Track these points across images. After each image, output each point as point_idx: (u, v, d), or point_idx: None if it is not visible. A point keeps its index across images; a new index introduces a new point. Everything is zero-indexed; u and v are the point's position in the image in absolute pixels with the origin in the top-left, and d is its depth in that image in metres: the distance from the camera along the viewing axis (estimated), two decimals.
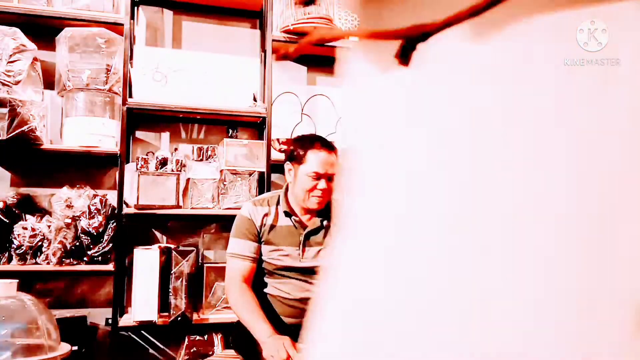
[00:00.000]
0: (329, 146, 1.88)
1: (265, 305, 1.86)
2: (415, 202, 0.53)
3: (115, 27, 2.53)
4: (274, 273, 1.91)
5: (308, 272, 1.90)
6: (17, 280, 1.96)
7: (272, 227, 1.90)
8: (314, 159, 1.84)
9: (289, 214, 1.91)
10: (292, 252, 1.90)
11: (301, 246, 1.90)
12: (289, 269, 1.90)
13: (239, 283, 1.84)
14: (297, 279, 1.90)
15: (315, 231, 1.93)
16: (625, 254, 0.47)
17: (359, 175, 0.60)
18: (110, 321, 2.45)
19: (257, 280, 1.94)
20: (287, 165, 1.93)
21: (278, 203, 1.94)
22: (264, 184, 2.63)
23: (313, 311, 0.61)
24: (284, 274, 1.91)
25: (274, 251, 1.89)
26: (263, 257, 1.91)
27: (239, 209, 2.54)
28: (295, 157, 1.89)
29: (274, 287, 1.92)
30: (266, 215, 1.91)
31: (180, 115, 2.73)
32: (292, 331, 1.86)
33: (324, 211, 1.93)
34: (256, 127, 2.89)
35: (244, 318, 1.78)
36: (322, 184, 1.84)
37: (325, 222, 1.94)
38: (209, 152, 2.66)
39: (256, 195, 2.65)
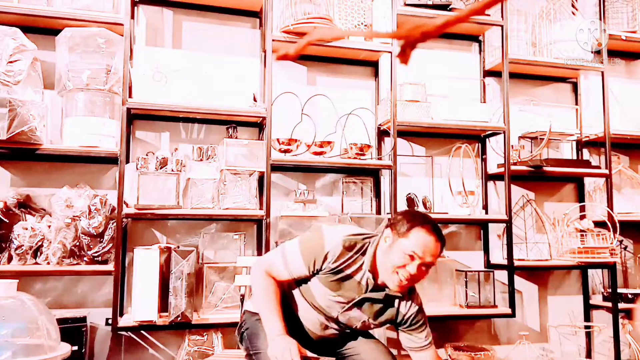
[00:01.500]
0: (438, 234, 1.71)
1: (287, 313, 1.80)
2: None
3: (115, 27, 2.53)
4: (310, 302, 1.82)
5: (337, 322, 1.82)
6: (17, 280, 1.97)
7: (347, 276, 1.75)
8: (417, 239, 1.68)
9: (369, 272, 1.76)
10: (340, 303, 1.78)
11: (351, 304, 1.78)
12: (325, 314, 1.81)
13: (267, 275, 1.78)
14: (324, 319, 1.82)
15: (376, 300, 1.79)
16: None
17: None
18: (110, 321, 2.45)
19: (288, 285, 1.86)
20: (387, 232, 1.74)
21: (364, 253, 1.76)
22: (264, 184, 2.63)
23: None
24: (317, 310, 1.81)
25: (324, 293, 1.77)
26: (309, 283, 1.80)
27: (239, 209, 2.58)
28: (398, 227, 1.71)
29: (304, 309, 1.83)
30: (346, 264, 1.74)
31: (180, 115, 2.73)
32: (313, 341, 1.86)
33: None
34: (256, 127, 2.90)
35: (261, 307, 1.74)
36: (413, 267, 1.68)
37: (393, 297, 1.81)
38: (209, 152, 2.66)
39: (256, 196, 2.65)
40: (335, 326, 1.84)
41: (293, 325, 1.81)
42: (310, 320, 1.84)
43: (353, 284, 1.76)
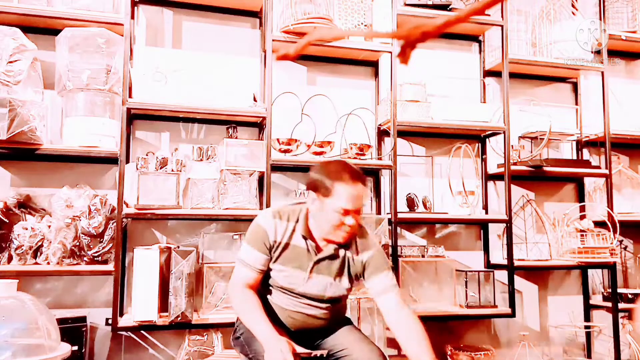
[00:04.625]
0: (358, 177, 1.72)
1: (268, 309, 1.84)
2: None
3: (115, 27, 2.53)
4: (279, 289, 1.86)
5: (311, 298, 1.85)
6: (17, 280, 1.97)
7: (286, 245, 1.80)
8: (343, 194, 1.68)
9: (306, 237, 1.80)
10: (299, 276, 1.81)
11: (308, 271, 1.81)
12: (293, 292, 1.84)
13: (242, 288, 1.81)
14: (299, 300, 1.85)
15: (328, 258, 1.83)
16: None
17: None
18: (110, 321, 2.45)
19: (263, 283, 1.90)
20: (312, 195, 1.75)
21: (297, 221, 1.81)
22: (264, 184, 2.63)
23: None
24: (287, 293, 1.86)
25: (280, 271, 1.82)
26: (271, 273, 1.84)
27: (239, 209, 2.58)
28: (320, 188, 1.71)
29: (278, 298, 1.87)
30: (283, 231, 1.80)
31: (180, 115, 2.73)
32: (294, 334, 1.86)
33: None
34: (256, 127, 2.90)
35: (245, 320, 1.77)
36: (350, 219, 1.71)
37: (341, 252, 1.84)
38: (209, 152, 2.66)
39: (256, 196, 2.65)
40: (309, 302, 1.84)
41: (278, 325, 1.83)
42: (287, 306, 1.85)
43: (301, 252, 1.80)
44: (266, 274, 1.86)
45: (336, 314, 1.94)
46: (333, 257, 1.83)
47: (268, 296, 1.89)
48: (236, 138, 2.71)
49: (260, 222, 1.82)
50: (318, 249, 1.82)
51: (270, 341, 1.64)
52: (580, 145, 3.49)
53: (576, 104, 3.53)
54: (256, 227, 1.82)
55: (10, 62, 2.35)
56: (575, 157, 3.49)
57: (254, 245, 1.80)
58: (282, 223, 1.80)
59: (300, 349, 1.68)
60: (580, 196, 3.50)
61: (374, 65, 3.15)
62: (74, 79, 2.47)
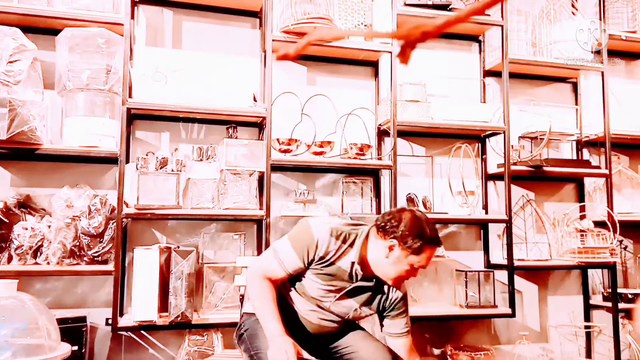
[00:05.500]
0: (439, 244, 1.79)
1: (284, 307, 1.83)
2: None
3: (115, 27, 2.53)
4: (304, 295, 1.86)
5: (335, 314, 1.86)
6: (17, 280, 1.97)
7: (331, 263, 1.78)
8: (426, 256, 1.75)
9: (357, 264, 1.79)
10: (330, 294, 1.82)
11: (342, 293, 1.82)
12: (319, 304, 1.84)
13: (262, 279, 1.79)
14: (322, 312, 1.86)
15: (365, 287, 1.84)
16: None
17: None
18: (110, 321, 2.45)
19: (283, 283, 1.89)
20: (392, 242, 1.73)
21: (352, 245, 1.79)
22: (264, 184, 2.63)
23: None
24: (312, 303, 1.85)
25: (314, 282, 1.81)
26: (302, 279, 1.83)
27: (239, 209, 2.58)
28: (408, 243, 1.72)
29: (299, 302, 1.87)
30: (335, 251, 1.77)
31: (180, 115, 2.73)
32: (310, 336, 1.87)
33: None
34: (256, 127, 2.90)
35: (257, 309, 1.76)
36: (416, 272, 1.78)
37: (379, 285, 1.86)
38: (209, 152, 2.66)
39: (256, 196, 2.65)
40: (329, 317, 1.86)
41: (291, 321, 1.83)
42: (306, 313, 1.86)
43: (343, 274, 1.80)
44: (294, 277, 1.84)
45: (349, 324, 1.96)
46: (371, 288, 1.84)
47: (290, 293, 1.88)
48: (236, 138, 2.71)
49: (315, 231, 1.77)
50: (362, 277, 1.81)
51: (277, 340, 1.63)
52: (580, 145, 3.49)
53: (576, 104, 3.53)
54: (308, 235, 1.76)
55: (10, 62, 2.35)
56: (575, 157, 3.49)
57: (296, 248, 1.77)
58: (337, 243, 1.77)
59: (306, 355, 1.68)
60: (580, 196, 3.50)
61: (374, 65, 3.15)
62: (74, 79, 2.47)
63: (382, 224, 1.76)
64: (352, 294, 1.83)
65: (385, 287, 1.88)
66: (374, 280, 1.83)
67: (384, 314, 1.91)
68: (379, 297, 1.88)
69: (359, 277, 1.80)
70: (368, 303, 1.86)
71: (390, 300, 1.89)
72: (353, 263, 1.78)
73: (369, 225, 1.84)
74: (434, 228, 1.79)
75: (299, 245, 1.76)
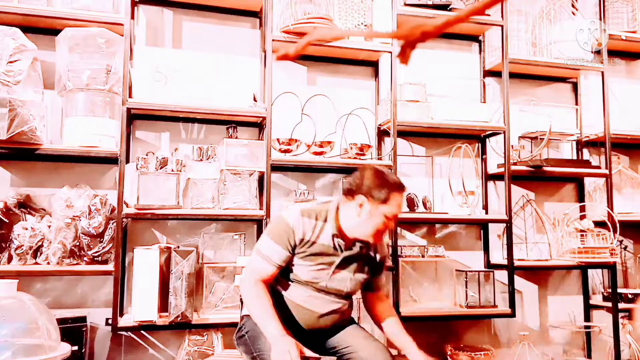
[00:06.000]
0: (404, 188, 1.89)
1: (281, 305, 1.86)
2: None
3: (115, 27, 2.53)
4: (300, 283, 1.89)
5: (330, 293, 1.90)
6: (17, 280, 1.97)
7: (313, 243, 1.86)
8: (396, 202, 1.84)
9: (336, 235, 1.87)
10: (323, 271, 1.87)
11: (333, 267, 1.88)
12: (316, 286, 1.88)
13: (255, 283, 1.82)
14: (321, 296, 1.89)
15: (353, 255, 1.91)
16: None
17: None
18: (110, 321, 2.45)
19: (278, 278, 1.93)
20: (360, 199, 1.82)
21: (325, 220, 1.88)
22: (264, 184, 2.63)
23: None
24: (309, 287, 1.89)
25: (304, 266, 1.86)
26: (292, 268, 1.88)
27: (239, 209, 2.58)
28: (375, 195, 1.81)
29: (295, 292, 1.89)
30: (312, 229, 1.85)
31: (180, 115, 2.73)
32: (306, 334, 1.87)
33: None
34: (256, 127, 2.90)
35: (255, 315, 1.77)
36: (391, 224, 1.87)
37: (364, 249, 1.94)
38: (209, 152, 2.66)
39: (256, 196, 2.65)
40: (329, 299, 1.90)
41: (290, 319, 1.86)
42: (304, 300, 1.88)
43: (327, 249, 1.87)
44: (284, 269, 1.88)
45: (346, 313, 1.98)
46: (357, 255, 1.92)
47: (283, 292, 1.91)
48: (236, 138, 2.71)
49: (287, 219, 1.85)
50: (346, 246, 1.90)
51: (279, 341, 1.64)
52: (580, 145, 3.49)
53: (576, 104, 3.53)
54: (283, 224, 1.85)
55: (10, 62, 2.34)
56: (575, 157, 3.49)
57: (277, 240, 1.83)
58: (311, 221, 1.86)
59: (308, 353, 1.69)
60: (580, 196, 3.50)
61: (374, 65, 3.15)
62: (74, 79, 2.47)
63: (348, 187, 1.88)
64: (342, 265, 1.90)
65: (371, 252, 1.99)
66: (359, 247, 1.91)
67: (371, 274, 2.01)
68: (367, 262, 1.97)
69: (343, 248, 1.88)
70: (360, 270, 1.94)
71: (377, 260, 2.02)
72: (333, 235, 1.86)
73: (337, 199, 1.94)
74: (396, 177, 1.91)
75: (278, 236, 1.83)
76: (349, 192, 1.86)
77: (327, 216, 1.88)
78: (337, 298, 1.92)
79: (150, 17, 2.85)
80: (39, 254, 2.40)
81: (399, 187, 1.85)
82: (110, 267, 2.42)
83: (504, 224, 3.10)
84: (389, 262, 2.13)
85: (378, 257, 2.02)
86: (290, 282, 1.90)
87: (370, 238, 1.88)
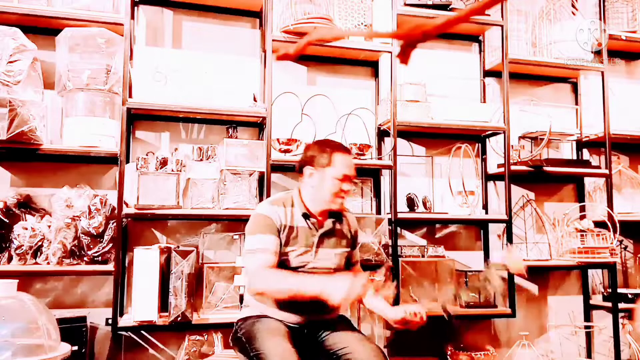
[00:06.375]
0: (348, 150, 2.00)
1: (263, 297, 1.90)
2: None
3: (115, 27, 2.53)
4: (291, 271, 1.91)
5: (323, 272, 1.95)
6: (17, 280, 1.97)
7: (290, 228, 1.93)
8: (341, 162, 1.92)
9: (307, 215, 1.96)
10: (307, 253, 1.94)
11: (314, 247, 1.95)
12: (305, 269, 1.93)
13: (266, 269, 1.82)
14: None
15: (329, 232, 2.00)
16: None
17: None
18: (110, 321, 2.45)
19: None
20: (308, 170, 1.96)
21: (292, 205, 1.97)
22: (264, 184, 2.63)
23: None
24: (300, 272, 1.92)
25: (290, 252, 1.92)
26: (281, 259, 1.92)
27: (239, 209, 2.57)
28: (319, 161, 1.93)
29: None
30: (284, 215, 1.93)
31: (180, 115, 2.73)
32: (299, 328, 1.89)
33: (335, 213, 2.04)
34: (256, 127, 2.90)
35: (295, 288, 1.75)
36: (346, 185, 1.94)
37: (337, 225, 2.04)
38: (209, 152, 2.66)
39: (256, 196, 2.65)
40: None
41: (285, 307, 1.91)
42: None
43: (304, 230, 1.96)
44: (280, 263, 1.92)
45: (345, 322, 2.02)
46: (332, 230, 2.01)
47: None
48: (236, 138, 2.71)
49: (261, 212, 1.93)
50: (319, 225, 1.98)
51: (338, 283, 1.66)
52: (580, 145, 3.49)
53: (576, 104, 3.53)
54: (259, 217, 1.91)
55: (10, 62, 2.34)
56: (575, 157, 3.49)
57: (264, 231, 1.87)
58: (281, 208, 1.93)
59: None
60: (580, 196, 3.50)
61: (373, 65, 3.15)
62: (74, 79, 2.47)
63: (299, 166, 2.00)
64: (322, 243, 1.97)
65: (344, 226, 2.07)
66: (331, 222, 2.00)
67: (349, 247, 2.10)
68: (343, 235, 2.05)
69: (317, 227, 1.98)
70: (339, 244, 2.02)
71: (352, 233, 2.10)
72: (304, 216, 1.95)
73: (298, 184, 2.04)
74: (334, 141, 2.01)
75: (263, 227, 1.88)
76: (300, 170, 1.99)
77: (293, 201, 1.98)
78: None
79: (150, 17, 2.85)
80: (39, 254, 2.40)
81: (340, 147, 1.96)
82: (110, 267, 2.42)
83: (504, 224, 3.10)
84: (361, 240, 2.28)
85: (352, 230, 2.11)
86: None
87: (331, 204, 1.95)
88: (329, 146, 1.96)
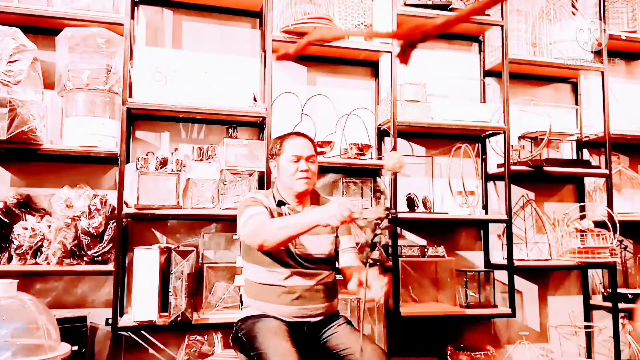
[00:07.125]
0: (300, 133, 2.09)
1: (260, 293, 1.94)
2: None
3: (115, 27, 2.53)
4: (269, 259, 1.95)
5: (302, 258, 1.96)
6: (17, 280, 1.97)
7: (271, 212, 2.00)
8: (291, 145, 2.03)
9: (282, 202, 2.04)
10: (298, 241, 1.97)
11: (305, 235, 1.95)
12: (283, 255, 1.95)
13: (265, 222, 1.86)
14: (294, 268, 1.94)
15: None
16: None
17: None
18: (110, 321, 2.45)
19: (252, 270, 2.00)
20: (272, 163, 2.10)
21: (274, 198, 2.07)
22: (263, 184, 2.63)
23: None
24: (279, 263, 1.94)
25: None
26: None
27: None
28: (275, 152, 2.07)
29: (270, 273, 1.95)
30: (267, 204, 2.00)
31: (180, 115, 2.73)
32: (294, 325, 1.89)
33: (312, 200, 2.11)
34: (256, 127, 2.90)
35: (294, 226, 1.77)
36: (302, 164, 2.01)
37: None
38: (209, 152, 2.66)
39: None
40: (303, 270, 1.96)
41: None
42: (281, 281, 1.94)
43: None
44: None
45: (329, 290, 2.02)
46: None
47: (259, 277, 1.97)
48: (236, 138, 2.71)
49: (249, 196, 2.04)
50: (295, 212, 2.02)
51: (327, 206, 1.71)
52: (580, 145, 3.49)
53: (576, 104, 3.53)
54: (249, 200, 2.01)
55: (10, 62, 2.35)
56: (575, 157, 3.49)
57: (255, 205, 1.95)
58: (264, 198, 2.03)
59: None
60: (580, 196, 3.50)
61: (373, 65, 3.15)
62: (74, 79, 2.47)
63: (267, 165, 2.15)
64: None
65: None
66: (309, 209, 2.03)
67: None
68: None
69: (294, 213, 2.01)
70: (321, 230, 1.95)
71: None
72: (279, 202, 2.04)
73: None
74: (288, 132, 2.11)
75: (254, 203, 1.97)
76: (268, 168, 2.10)
77: (273, 195, 2.08)
78: (311, 264, 1.98)
79: (150, 17, 2.85)
80: (39, 254, 2.40)
81: (290, 133, 2.09)
82: (110, 267, 2.42)
83: (504, 224, 3.10)
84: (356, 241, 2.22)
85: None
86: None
87: (296, 187, 2.01)
88: (280, 137, 2.09)
